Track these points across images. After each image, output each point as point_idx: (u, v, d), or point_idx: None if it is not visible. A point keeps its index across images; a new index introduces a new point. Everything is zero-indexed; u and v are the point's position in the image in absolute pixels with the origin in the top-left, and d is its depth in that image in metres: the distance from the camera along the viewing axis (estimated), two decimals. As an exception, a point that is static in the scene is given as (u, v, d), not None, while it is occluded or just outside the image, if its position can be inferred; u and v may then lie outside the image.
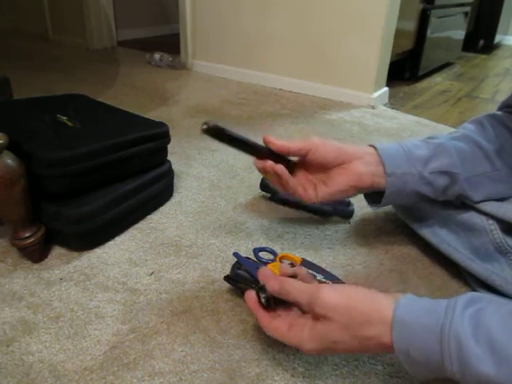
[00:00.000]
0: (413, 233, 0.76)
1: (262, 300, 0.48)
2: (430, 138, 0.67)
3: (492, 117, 0.67)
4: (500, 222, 0.63)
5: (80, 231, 0.70)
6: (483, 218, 0.64)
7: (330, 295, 0.44)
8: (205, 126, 0.56)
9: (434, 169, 0.60)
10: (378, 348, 0.43)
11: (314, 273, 0.61)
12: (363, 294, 0.45)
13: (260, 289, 0.49)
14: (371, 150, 0.64)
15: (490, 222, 0.64)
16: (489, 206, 0.64)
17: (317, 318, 0.46)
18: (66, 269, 0.68)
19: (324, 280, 0.60)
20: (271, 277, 0.50)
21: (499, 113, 0.68)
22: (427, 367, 0.41)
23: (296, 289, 0.47)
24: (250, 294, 0.51)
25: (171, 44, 2.18)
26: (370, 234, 0.81)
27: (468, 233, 0.66)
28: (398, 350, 0.41)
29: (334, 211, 0.82)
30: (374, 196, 0.68)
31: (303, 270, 0.54)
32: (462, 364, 0.38)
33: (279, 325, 0.48)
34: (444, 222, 0.69)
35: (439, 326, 0.39)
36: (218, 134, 0.58)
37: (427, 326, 0.40)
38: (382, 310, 0.43)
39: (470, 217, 0.66)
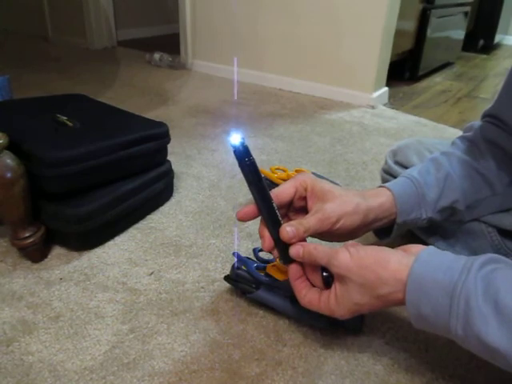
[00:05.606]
0: (410, 233, 0.76)
1: (324, 275, 0.50)
2: (442, 153, 0.64)
3: (483, 136, 0.64)
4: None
5: (80, 231, 0.70)
6: (480, 221, 0.64)
7: (344, 256, 0.46)
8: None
9: (440, 206, 0.60)
10: (394, 303, 0.45)
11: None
12: (376, 254, 0.46)
13: (324, 268, 0.50)
14: (385, 190, 0.58)
15: (488, 224, 0.64)
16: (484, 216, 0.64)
17: (338, 280, 0.48)
18: (66, 269, 0.68)
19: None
20: (296, 243, 0.51)
21: (485, 126, 0.64)
22: (434, 324, 0.42)
23: (318, 251, 0.49)
24: (295, 268, 0.51)
25: (171, 44, 2.18)
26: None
27: (466, 235, 0.66)
28: (410, 304, 0.42)
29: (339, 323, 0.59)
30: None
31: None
32: (467, 323, 0.39)
33: (312, 296, 0.50)
34: (442, 225, 0.68)
35: (452, 284, 0.40)
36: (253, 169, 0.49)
37: (441, 283, 0.41)
38: (397, 270, 0.43)
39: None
